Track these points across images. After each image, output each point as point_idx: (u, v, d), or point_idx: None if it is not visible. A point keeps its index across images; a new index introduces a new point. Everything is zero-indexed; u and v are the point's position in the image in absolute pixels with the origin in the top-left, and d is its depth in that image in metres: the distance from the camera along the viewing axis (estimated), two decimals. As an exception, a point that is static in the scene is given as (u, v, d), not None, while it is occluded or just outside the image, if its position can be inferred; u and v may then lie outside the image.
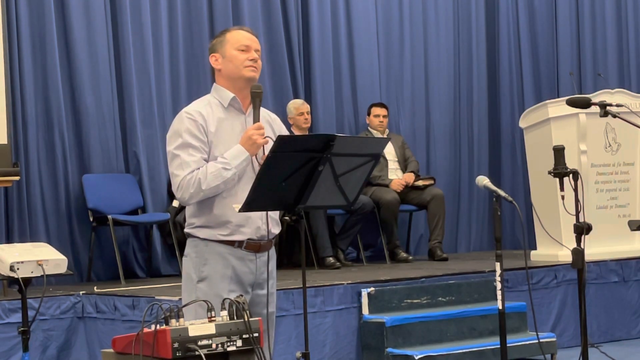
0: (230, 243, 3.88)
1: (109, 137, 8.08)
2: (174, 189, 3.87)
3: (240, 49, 3.95)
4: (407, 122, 9.84)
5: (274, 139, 3.92)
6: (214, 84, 4.03)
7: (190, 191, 3.80)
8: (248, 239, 3.89)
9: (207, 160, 3.84)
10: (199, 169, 3.81)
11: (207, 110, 3.91)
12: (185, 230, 3.97)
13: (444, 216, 8.85)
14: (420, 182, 8.96)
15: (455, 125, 10.11)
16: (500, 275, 4.41)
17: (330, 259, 8.26)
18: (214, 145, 3.86)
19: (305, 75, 9.28)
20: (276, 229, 3.99)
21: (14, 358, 6.31)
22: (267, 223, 3.89)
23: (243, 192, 3.79)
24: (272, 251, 4.02)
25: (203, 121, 3.87)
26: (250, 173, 3.87)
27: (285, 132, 4.11)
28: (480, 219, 10.19)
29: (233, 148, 3.84)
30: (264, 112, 4.05)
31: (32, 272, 4.95)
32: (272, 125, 4.06)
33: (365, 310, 6.84)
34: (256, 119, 3.88)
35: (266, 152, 3.81)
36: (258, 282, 3.93)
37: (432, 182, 9.04)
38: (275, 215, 3.97)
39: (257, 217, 3.88)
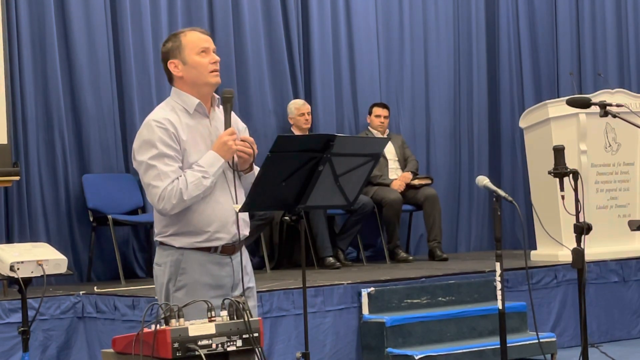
0: (207, 249, 3.83)
1: (109, 137, 8.08)
2: (153, 200, 3.78)
3: (200, 53, 3.87)
4: (407, 122, 9.83)
5: None
6: (174, 87, 3.94)
7: (172, 202, 3.74)
8: (224, 244, 3.85)
9: (181, 169, 3.78)
10: (177, 179, 3.75)
11: (174, 117, 3.84)
12: (157, 239, 3.90)
13: (439, 216, 8.84)
14: (416, 181, 8.95)
15: (455, 125, 10.11)
16: (500, 275, 4.41)
17: (330, 259, 8.25)
18: (187, 152, 3.80)
19: (305, 75, 9.27)
20: (246, 230, 3.94)
21: (14, 358, 6.31)
22: (238, 225, 3.84)
23: (217, 197, 3.80)
24: (243, 249, 3.98)
25: (174, 129, 3.80)
26: (222, 178, 3.82)
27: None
28: (480, 219, 10.19)
29: (207, 155, 3.78)
30: (234, 118, 3.98)
31: (32, 272, 4.95)
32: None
33: (365, 310, 6.84)
34: (227, 124, 3.81)
35: (235, 158, 3.80)
36: (236, 283, 3.88)
37: (428, 181, 9.03)
38: (244, 216, 3.91)
39: (231, 221, 3.82)
